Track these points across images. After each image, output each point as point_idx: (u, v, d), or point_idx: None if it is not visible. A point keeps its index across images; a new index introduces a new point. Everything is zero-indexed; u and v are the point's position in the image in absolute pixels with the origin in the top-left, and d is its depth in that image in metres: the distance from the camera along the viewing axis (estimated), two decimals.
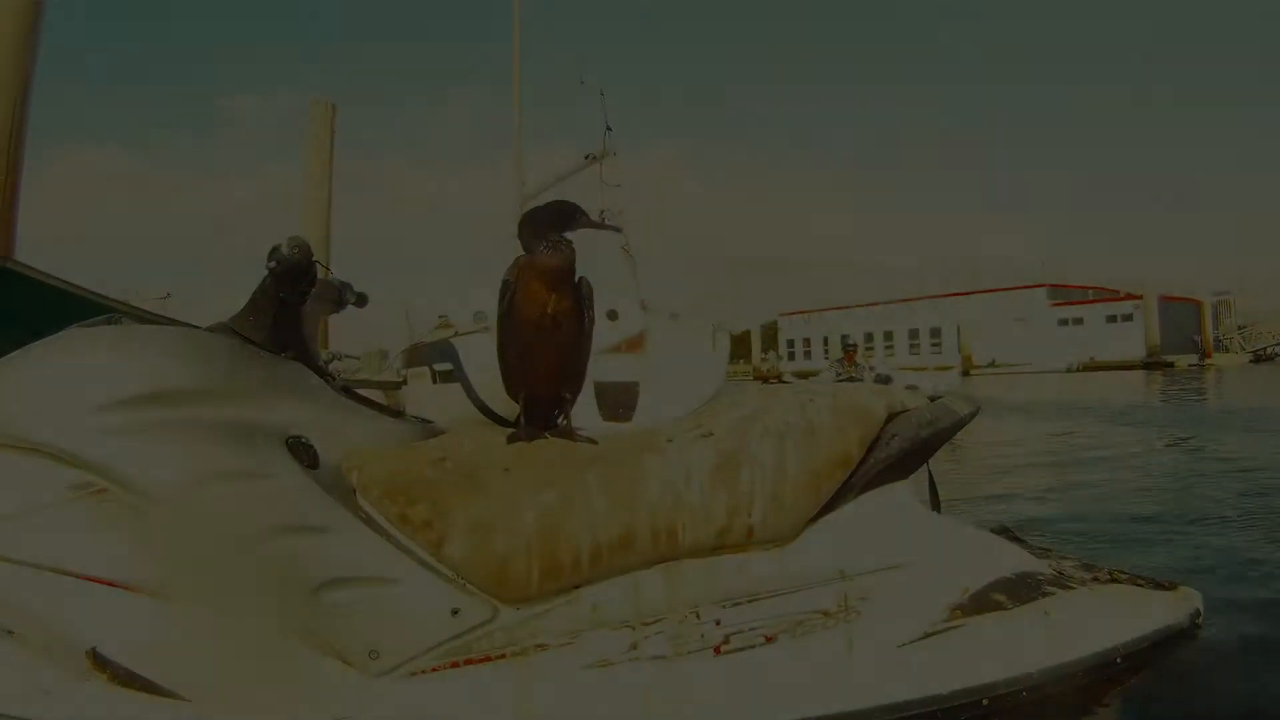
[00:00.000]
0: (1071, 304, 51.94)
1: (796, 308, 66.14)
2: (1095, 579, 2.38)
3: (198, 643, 1.84)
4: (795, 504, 2.11)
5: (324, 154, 17.45)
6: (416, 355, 13.12)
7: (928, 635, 2.07)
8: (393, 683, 1.90)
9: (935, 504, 2.57)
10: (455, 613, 1.93)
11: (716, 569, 2.07)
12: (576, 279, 2.27)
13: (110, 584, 1.83)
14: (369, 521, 1.98)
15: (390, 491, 2.00)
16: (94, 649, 1.80)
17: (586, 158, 13.25)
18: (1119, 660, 2.15)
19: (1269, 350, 48.56)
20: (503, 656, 1.95)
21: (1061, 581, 2.28)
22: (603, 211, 12.37)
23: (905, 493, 2.30)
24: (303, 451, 2.02)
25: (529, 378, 2.31)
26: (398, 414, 2.47)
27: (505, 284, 2.25)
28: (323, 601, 1.88)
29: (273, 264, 2.17)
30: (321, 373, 2.34)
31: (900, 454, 2.24)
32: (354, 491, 2.02)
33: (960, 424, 2.40)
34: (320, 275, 2.70)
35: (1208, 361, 44.98)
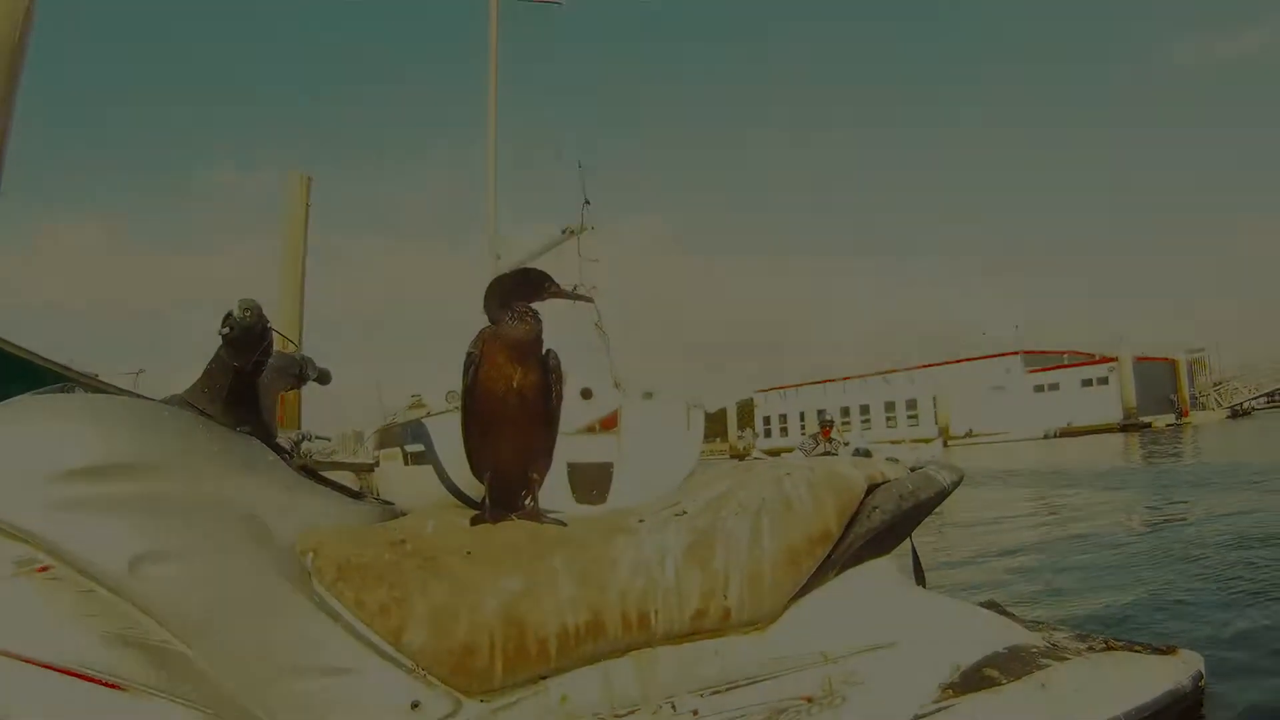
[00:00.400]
0: (1047, 369, 52.21)
1: (772, 384, 66.22)
2: (1090, 648, 2.29)
3: None
4: (774, 583, 2.01)
5: (299, 226, 17.46)
6: (389, 436, 12.99)
7: (919, 718, 1.97)
8: None
9: (920, 578, 2.48)
10: (415, 706, 1.81)
11: (693, 655, 1.96)
12: (544, 351, 2.19)
13: (51, 668, 1.69)
14: (324, 606, 1.86)
15: (346, 574, 1.88)
16: None
17: (564, 231, 13.27)
18: None
19: (1245, 405, 49.01)
20: None
21: (1056, 653, 2.20)
22: (576, 285, 12.40)
23: (889, 568, 2.22)
24: (255, 530, 1.92)
25: (494, 456, 2.20)
26: (358, 495, 2.36)
27: (469, 356, 2.16)
28: (274, 691, 1.76)
29: (225, 330, 2.08)
30: (279, 449, 2.24)
31: (882, 527, 2.16)
32: (309, 574, 1.91)
33: (943, 494, 2.32)
34: (280, 347, 2.61)
35: (1185, 420, 45.19)
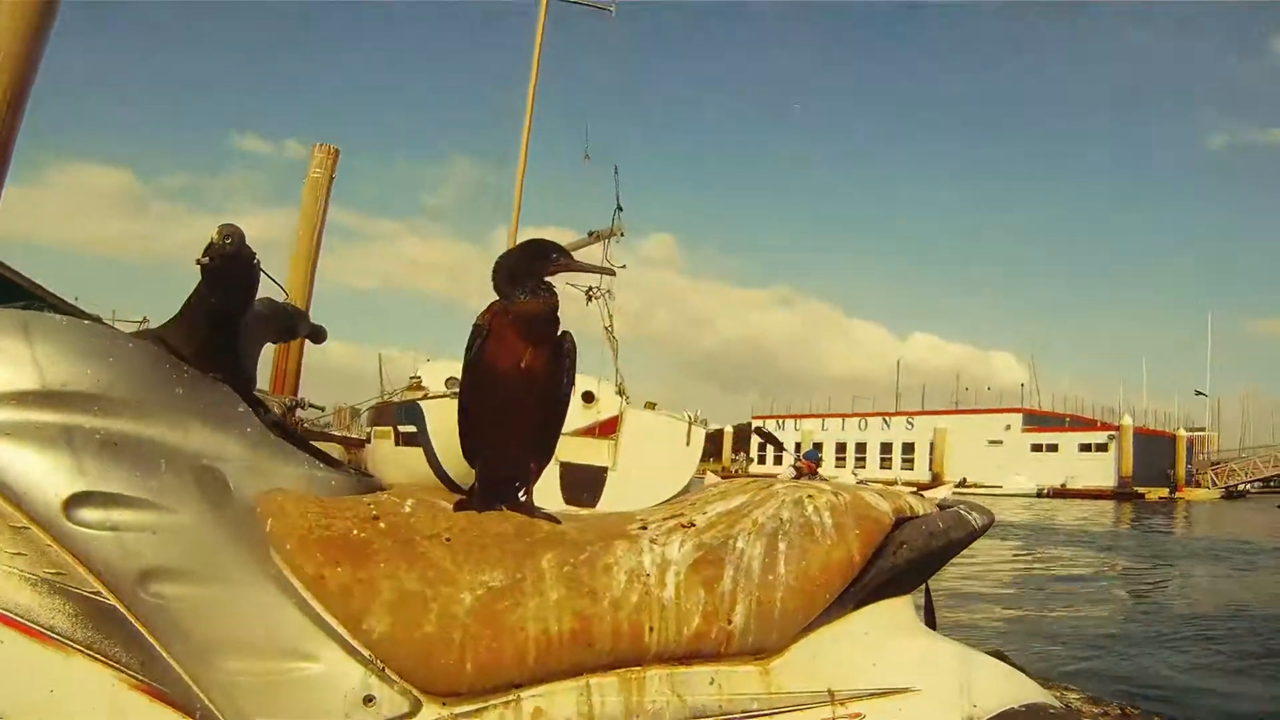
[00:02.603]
0: (1047, 430, 52.27)
1: (771, 413, 66.12)
2: (1106, 714, 2.09)
3: (61, 696, 1.53)
4: (784, 613, 1.79)
5: (320, 195, 17.46)
6: (384, 414, 12.91)
7: None
8: None
9: (932, 624, 2.28)
10: (368, 701, 1.61)
11: (686, 680, 1.75)
12: (559, 333, 1.98)
13: None
14: (279, 579, 1.66)
15: (307, 547, 1.67)
16: None
17: (590, 234, 13.17)
18: None
19: (1241, 488, 48.94)
20: None
21: (1076, 718, 2.00)
22: (590, 289, 12.34)
23: (906, 609, 2.01)
24: (212, 486, 1.71)
25: (491, 439, 1.99)
26: (336, 463, 2.14)
27: (476, 329, 1.94)
28: (213, 666, 1.57)
29: (204, 259, 1.86)
30: (256, 404, 2.03)
31: (908, 565, 1.95)
32: (267, 543, 1.70)
33: (974, 535, 2.12)
34: (273, 297, 2.41)
35: (1179, 495, 45.08)
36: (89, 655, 1.54)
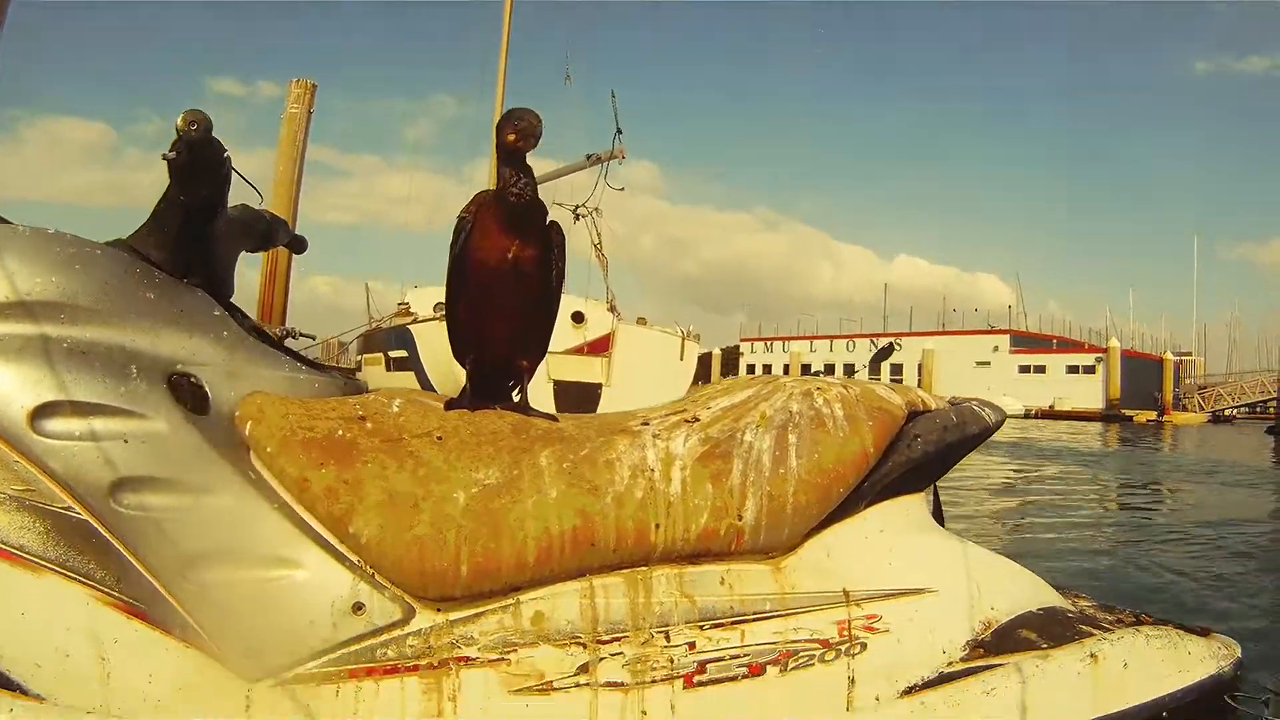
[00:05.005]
0: (1034, 351, 52.49)
1: (759, 335, 66.15)
2: (1120, 621, 2.03)
3: (33, 618, 1.44)
4: (796, 508, 1.71)
5: (299, 130, 17.10)
6: (372, 341, 12.86)
7: (947, 678, 1.71)
8: (275, 690, 1.49)
9: (940, 522, 2.21)
10: (358, 608, 1.52)
11: (694, 580, 1.67)
12: (547, 222, 1.86)
13: None
14: (260, 485, 1.56)
15: (289, 448, 1.58)
16: None
17: (589, 157, 12.94)
18: (1165, 715, 1.83)
19: (1227, 412, 49.38)
20: (415, 669, 1.53)
21: (1093, 622, 1.94)
22: (576, 207, 12.21)
23: (921, 507, 1.94)
24: (188, 391, 1.61)
25: (480, 336, 1.88)
26: (321, 366, 2.04)
27: (460, 221, 1.82)
28: (192, 581, 1.48)
29: (171, 153, 1.72)
30: (232, 308, 1.91)
31: (922, 459, 1.87)
32: (246, 447, 1.60)
33: (988, 431, 2.05)
34: (249, 204, 2.27)
35: (1166, 418, 45.43)
36: (61, 573, 1.45)
